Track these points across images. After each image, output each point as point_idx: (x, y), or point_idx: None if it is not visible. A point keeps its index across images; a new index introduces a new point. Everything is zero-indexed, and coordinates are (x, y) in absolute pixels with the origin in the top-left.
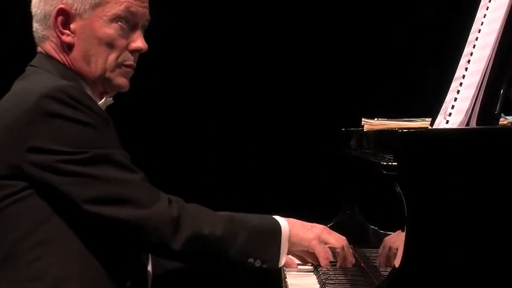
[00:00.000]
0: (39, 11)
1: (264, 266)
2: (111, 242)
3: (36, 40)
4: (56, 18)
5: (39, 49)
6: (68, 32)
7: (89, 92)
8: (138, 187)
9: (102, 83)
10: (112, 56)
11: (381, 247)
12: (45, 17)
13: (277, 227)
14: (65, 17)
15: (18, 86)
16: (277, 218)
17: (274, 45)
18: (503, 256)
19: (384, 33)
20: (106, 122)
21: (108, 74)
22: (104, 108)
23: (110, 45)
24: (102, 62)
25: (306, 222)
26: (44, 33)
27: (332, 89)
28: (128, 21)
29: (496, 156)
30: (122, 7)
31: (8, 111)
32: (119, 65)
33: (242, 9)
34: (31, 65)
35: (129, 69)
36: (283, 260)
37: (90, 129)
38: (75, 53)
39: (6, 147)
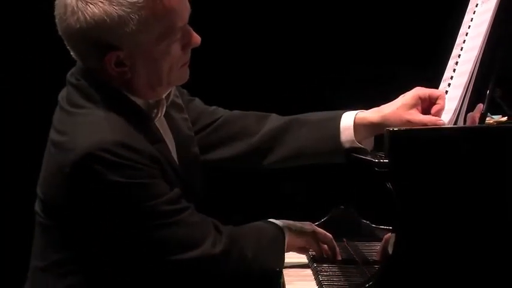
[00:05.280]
0: (78, 45)
1: (278, 269)
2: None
3: (77, 59)
4: (107, 61)
5: (81, 65)
6: (124, 69)
7: (141, 103)
8: (187, 228)
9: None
10: (174, 71)
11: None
12: (90, 53)
13: (282, 233)
14: (116, 57)
15: (66, 125)
16: (277, 222)
17: (273, 44)
18: (492, 250)
19: (374, 35)
20: (152, 167)
21: (172, 83)
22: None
23: (173, 63)
24: (166, 80)
25: (296, 223)
26: (90, 63)
27: (326, 88)
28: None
29: (482, 154)
30: (179, 34)
31: (56, 154)
32: (180, 69)
33: (241, 8)
34: (77, 87)
35: (187, 65)
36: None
37: (135, 187)
38: (135, 82)
39: (53, 188)
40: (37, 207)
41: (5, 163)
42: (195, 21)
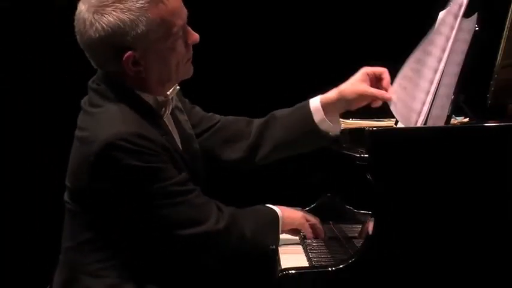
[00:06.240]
0: (99, 52)
1: (273, 247)
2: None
3: (97, 67)
4: (125, 62)
5: (100, 71)
6: (139, 68)
7: (151, 100)
8: (194, 206)
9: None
10: (181, 66)
11: (364, 227)
12: (109, 57)
13: (277, 216)
14: (133, 57)
15: (87, 122)
16: (273, 207)
17: (272, 44)
18: (459, 229)
19: (373, 34)
20: (163, 154)
21: (179, 77)
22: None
23: (179, 59)
24: (174, 76)
25: (289, 208)
26: (109, 67)
27: (315, 90)
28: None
29: (448, 150)
30: (181, 32)
31: (81, 147)
32: (185, 65)
33: (241, 8)
34: (96, 90)
35: (190, 61)
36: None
37: (150, 170)
38: (149, 80)
39: (79, 177)
40: (66, 196)
41: (38, 162)
42: (194, 22)
